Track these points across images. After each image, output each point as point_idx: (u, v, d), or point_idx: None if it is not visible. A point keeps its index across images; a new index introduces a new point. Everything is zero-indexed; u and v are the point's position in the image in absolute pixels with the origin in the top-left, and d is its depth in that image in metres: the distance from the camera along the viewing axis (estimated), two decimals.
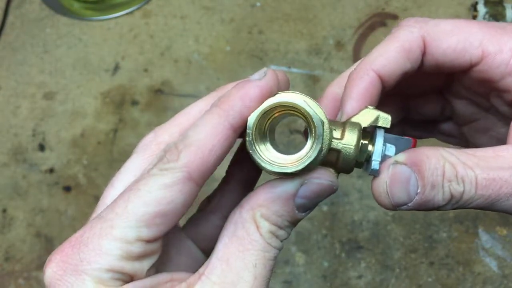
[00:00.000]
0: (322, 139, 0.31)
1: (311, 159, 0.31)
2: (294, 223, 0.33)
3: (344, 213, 1.14)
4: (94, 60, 1.39)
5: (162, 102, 1.32)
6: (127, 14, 1.46)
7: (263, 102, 0.32)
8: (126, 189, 0.32)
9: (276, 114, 0.33)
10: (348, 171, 0.34)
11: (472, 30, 0.36)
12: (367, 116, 0.34)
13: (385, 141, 0.34)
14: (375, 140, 0.34)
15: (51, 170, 1.25)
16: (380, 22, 1.41)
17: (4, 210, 1.21)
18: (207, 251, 0.39)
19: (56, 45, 1.43)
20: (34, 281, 1.13)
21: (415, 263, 1.09)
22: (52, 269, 0.31)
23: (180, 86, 1.34)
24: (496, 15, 1.32)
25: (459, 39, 0.35)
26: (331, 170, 0.34)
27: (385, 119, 0.34)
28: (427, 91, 0.43)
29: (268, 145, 0.33)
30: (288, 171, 0.31)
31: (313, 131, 0.31)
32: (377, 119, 0.34)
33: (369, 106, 0.35)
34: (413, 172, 0.33)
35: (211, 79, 1.34)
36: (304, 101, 0.31)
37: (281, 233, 0.33)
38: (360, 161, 0.34)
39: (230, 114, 0.32)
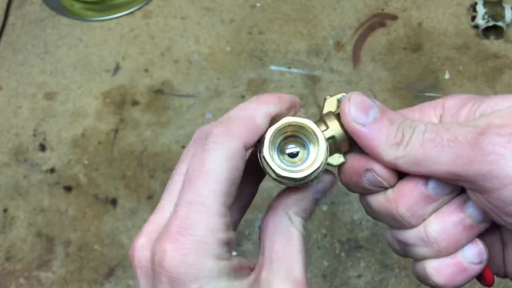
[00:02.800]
0: (325, 143, 0.38)
1: (321, 160, 0.37)
2: (312, 213, 0.40)
3: (343, 213, 1.14)
4: (94, 60, 1.40)
5: (162, 102, 1.32)
6: (127, 14, 1.47)
7: (289, 109, 0.39)
8: (194, 172, 0.35)
9: (288, 132, 0.39)
10: (347, 147, 0.40)
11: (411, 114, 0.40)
12: (330, 105, 0.40)
13: None
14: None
15: (51, 170, 1.25)
16: (379, 23, 1.41)
17: (5, 210, 1.21)
18: None
19: (57, 45, 1.43)
20: (35, 280, 1.13)
21: None
22: (173, 256, 0.33)
23: (180, 86, 1.34)
24: (495, 16, 1.32)
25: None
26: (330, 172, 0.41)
27: (343, 96, 0.40)
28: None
29: (275, 156, 0.39)
30: (303, 175, 0.37)
31: (317, 142, 0.38)
32: (338, 101, 0.40)
33: (327, 97, 0.41)
34: (377, 107, 0.37)
35: (211, 79, 1.35)
36: (308, 122, 0.38)
37: (305, 223, 0.40)
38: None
39: (267, 102, 0.38)
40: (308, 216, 0.40)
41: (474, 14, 1.36)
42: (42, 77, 1.39)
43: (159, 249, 0.34)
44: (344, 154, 0.40)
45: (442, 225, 0.37)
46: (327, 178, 0.40)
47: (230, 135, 0.36)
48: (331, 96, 0.41)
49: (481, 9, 1.33)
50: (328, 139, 0.39)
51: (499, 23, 1.31)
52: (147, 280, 0.36)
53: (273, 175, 0.37)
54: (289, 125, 0.38)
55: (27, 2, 1.51)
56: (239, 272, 0.36)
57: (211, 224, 0.34)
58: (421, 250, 0.39)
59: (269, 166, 0.37)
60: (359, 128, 0.37)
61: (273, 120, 0.38)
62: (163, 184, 1.21)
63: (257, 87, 1.33)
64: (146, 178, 1.22)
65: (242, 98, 1.31)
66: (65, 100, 1.34)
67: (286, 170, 0.37)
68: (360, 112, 0.37)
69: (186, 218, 0.34)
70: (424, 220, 0.38)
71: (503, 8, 1.33)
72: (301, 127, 0.38)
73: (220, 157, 0.35)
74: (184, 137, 1.27)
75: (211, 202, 0.34)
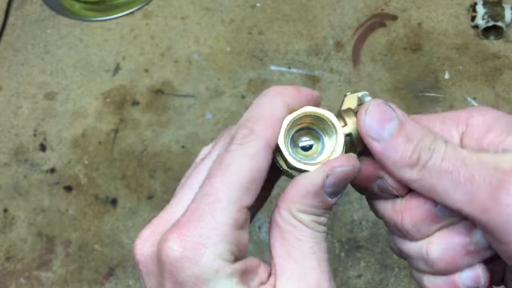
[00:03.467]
0: (343, 137, 0.36)
1: (339, 154, 0.36)
2: (329, 208, 0.36)
3: (343, 213, 1.14)
4: (95, 60, 1.40)
5: (162, 102, 1.32)
6: (127, 14, 1.47)
7: (308, 102, 0.37)
8: (213, 169, 0.35)
9: (298, 125, 0.37)
10: (360, 148, 0.38)
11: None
12: (350, 101, 0.39)
13: None
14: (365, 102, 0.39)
15: (52, 170, 1.25)
16: (379, 23, 1.41)
17: (6, 210, 1.21)
18: None
19: (57, 45, 1.43)
20: (35, 280, 1.13)
21: None
22: (173, 248, 0.32)
23: (180, 87, 1.34)
24: (495, 16, 1.32)
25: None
26: (352, 155, 0.37)
27: (365, 95, 0.38)
28: None
29: (291, 149, 0.37)
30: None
31: (335, 132, 0.36)
32: (359, 99, 0.38)
33: (347, 94, 0.39)
34: (397, 120, 0.35)
35: (212, 79, 1.35)
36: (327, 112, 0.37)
37: (322, 219, 0.36)
38: None
39: (287, 97, 0.36)
40: (321, 212, 0.36)
41: (474, 14, 1.36)
42: (43, 77, 1.39)
43: (162, 239, 0.33)
44: (358, 154, 0.38)
45: (444, 246, 0.36)
46: (338, 171, 0.35)
47: (253, 135, 0.35)
48: (351, 93, 0.39)
49: (481, 9, 1.33)
50: (345, 136, 0.37)
51: (499, 23, 1.31)
52: (147, 274, 0.35)
53: (285, 166, 0.36)
54: (307, 115, 0.36)
55: (27, 2, 1.51)
56: (246, 276, 0.34)
57: (219, 218, 0.33)
58: (420, 265, 0.38)
59: (283, 155, 0.35)
60: (373, 143, 0.35)
61: (290, 112, 0.37)
62: (163, 184, 1.21)
63: (257, 87, 1.33)
64: (146, 178, 1.22)
65: (242, 98, 1.31)
66: (65, 100, 1.35)
67: (301, 162, 0.35)
68: (376, 125, 0.35)
69: (196, 210, 0.33)
70: (427, 236, 0.37)
71: (503, 8, 1.33)
72: (319, 119, 0.37)
73: (241, 156, 0.34)
74: (184, 137, 1.27)
75: (224, 195, 0.33)
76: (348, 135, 0.37)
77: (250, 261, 0.34)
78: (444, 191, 0.34)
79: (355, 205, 1.14)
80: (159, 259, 0.33)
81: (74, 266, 1.14)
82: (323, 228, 0.36)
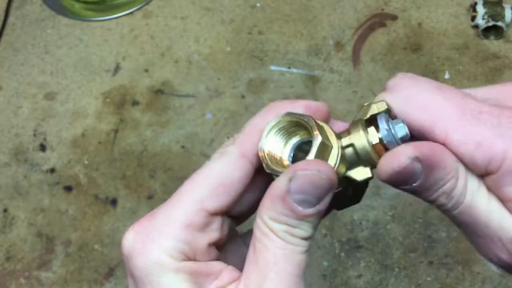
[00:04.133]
0: (318, 139, 0.34)
1: (312, 155, 0.34)
2: (304, 219, 0.33)
3: (343, 213, 1.14)
4: (95, 60, 1.40)
5: (162, 102, 1.32)
6: (127, 14, 1.47)
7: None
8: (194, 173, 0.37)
9: (290, 132, 0.37)
10: (374, 162, 0.35)
11: (443, 113, 0.34)
12: (365, 111, 0.36)
13: (390, 119, 0.36)
14: (377, 120, 0.35)
15: (52, 170, 1.25)
16: (379, 23, 1.41)
17: (5, 210, 1.21)
18: None
19: (57, 45, 1.43)
20: (35, 280, 1.13)
21: (414, 262, 1.09)
22: (128, 239, 0.34)
23: (180, 87, 1.34)
24: (495, 16, 1.32)
25: (426, 119, 0.35)
26: (324, 161, 0.34)
27: (380, 105, 0.36)
28: None
29: (291, 152, 0.37)
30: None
31: (312, 137, 0.34)
32: (373, 108, 0.36)
33: (364, 104, 0.37)
34: (423, 173, 0.34)
35: (212, 79, 1.35)
36: (310, 118, 0.35)
37: (297, 231, 0.33)
38: (376, 144, 0.35)
39: (277, 110, 0.37)
40: (294, 223, 0.33)
41: (474, 14, 1.36)
42: (43, 77, 1.39)
43: (128, 229, 0.35)
44: (371, 167, 0.36)
45: None
46: (301, 174, 0.32)
47: (232, 146, 0.36)
48: (368, 104, 0.36)
49: (481, 9, 1.33)
50: (345, 147, 0.35)
51: (499, 23, 1.31)
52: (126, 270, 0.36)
53: (266, 168, 0.35)
54: (286, 120, 0.35)
55: (27, 2, 1.51)
56: (199, 277, 0.33)
57: (175, 216, 0.34)
58: None
59: (261, 158, 0.35)
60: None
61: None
62: (163, 184, 1.21)
63: (257, 87, 1.33)
64: (146, 178, 1.22)
65: (242, 98, 1.31)
66: (65, 100, 1.35)
67: (270, 167, 0.35)
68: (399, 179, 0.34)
69: (162, 206, 0.35)
70: None
71: (503, 8, 1.33)
72: (298, 124, 0.35)
73: (214, 163, 0.36)
74: (184, 137, 1.27)
75: (186, 195, 0.35)
76: (349, 146, 0.35)
77: (208, 265, 0.34)
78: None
79: (355, 205, 1.14)
80: (122, 250, 0.35)
81: (74, 266, 1.14)
82: (298, 241, 0.33)
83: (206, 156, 1.22)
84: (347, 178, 0.36)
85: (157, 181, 1.21)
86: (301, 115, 0.35)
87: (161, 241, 0.33)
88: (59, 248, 1.16)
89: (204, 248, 0.35)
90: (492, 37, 1.35)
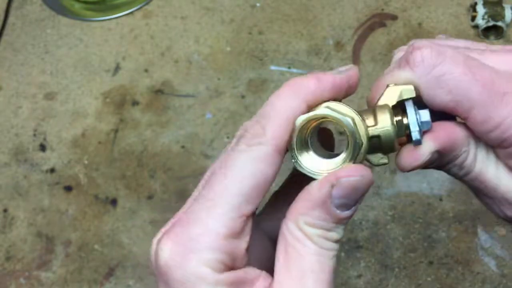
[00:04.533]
0: (357, 146, 0.33)
1: (351, 158, 0.33)
2: (340, 222, 0.33)
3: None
4: (94, 60, 1.40)
5: (162, 102, 1.32)
6: (127, 14, 1.47)
7: (332, 93, 0.34)
8: (216, 168, 0.33)
9: (315, 124, 0.35)
10: (394, 150, 0.36)
11: (470, 94, 0.35)
12: (391, 94, 0.36)
13: (417, 110, 0.36)
14: (407, 113, 0.35)
15: (52, 170, 1.25)
16: (379, 23, 1.41)
17: (5, 210, 1.21)
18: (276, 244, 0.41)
19: (57, 45, 1.43)
20: (35, 280, 1.13)
21: (414, 262, 1.09)
22: (165, 250, 0.31)
23: (180, 86, 1.34)
24: (495, 16, 1.32)
25: (453, 99, 0.35)
26: (362, 164, 0.34)
27: (408, 91, 0.35)
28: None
29: (311, 152, 0.34)
30: (316, 176, 0.33)
31: (348, 140, 0.33)
32: (401, 93, 0.35)
33: (390, 84, 0.36)
34: (439, 157, 0.36)
35: (212, 79, 1.35)
36: (351, 117, 0.34)
37: (331, 234, 0.33)
38: (402, 136, 0.36)
39: (304, 92, 0.34)
40: (331, 226, 0.33)
41: (474, 14, 1.36)
42: (42, 77, 1.39)
43: (159, 241, 0.32)
44: (390, 153, 0.36)
45: None
46: (344, 181, 0.32)
47: (263, 137, 0.33)
48: (395, 85, 0.36)
49: (481, 9, 1.33)
50: (371, 138, 0.34)
51: (499, 23, 1.31)
52: (152, 274, 0.34)
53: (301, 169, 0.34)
54: (314, 119, 0.33)
55: (27, 2, 1.51)
56: (237, 287, 0.32)
57: (212, 224, 0.31)
58: None
59: (297, 167, 0.33)
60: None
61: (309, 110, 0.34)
62: (164, 184, 1.21)
63: (257, 87, 1.33)
64: (146, 178, 1.22)
65: (242, 98, 1.31)
66: (65, 100, 1.35)
67: (305, 169, 0.33)
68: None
69: (190, 213, 0.32)
70: None
71: (503, 8, 1.33)
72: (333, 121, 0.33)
73: (245, 159, 0.32)
74: (184, 137, 1.27)
75: (221, 201, 0.32)
76: (375, 137, 0.34)
77: (245, 272, 0.33)
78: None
79: None
80: (155, 259, 0.33)
81: (74, 266, 1.14)
82: (331, 245, 0.33)
83: (206, 156, 1.22)
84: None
85: (157, 181, 1.21)
86: (336, 113, 0.33)
87: (202, 253, 0.31)
88: (59, 248, 1.16)
89: (243, 255, 0.33)
90: (492, 37, 1.35)
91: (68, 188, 1.23)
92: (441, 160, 0.37)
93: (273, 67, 1.36)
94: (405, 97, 0.35)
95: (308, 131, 0.34)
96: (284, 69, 1.35)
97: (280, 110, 0.33)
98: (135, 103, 1.33)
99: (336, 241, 0.33)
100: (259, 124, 0.33)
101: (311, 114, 0.33)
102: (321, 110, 0.33)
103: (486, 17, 1.32)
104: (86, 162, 1.25)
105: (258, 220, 0.40)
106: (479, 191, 0.39)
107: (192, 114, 1.30)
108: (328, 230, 0.33)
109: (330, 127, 0.39)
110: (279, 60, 1.36)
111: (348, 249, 1.11)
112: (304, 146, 0.34)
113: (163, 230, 0.35)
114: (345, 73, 0.37)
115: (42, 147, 1.28)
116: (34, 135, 1.30)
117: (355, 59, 1.35)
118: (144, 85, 1.35)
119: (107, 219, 1.18)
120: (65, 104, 1.34)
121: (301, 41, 1.39)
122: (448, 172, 0.38)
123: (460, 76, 0.35)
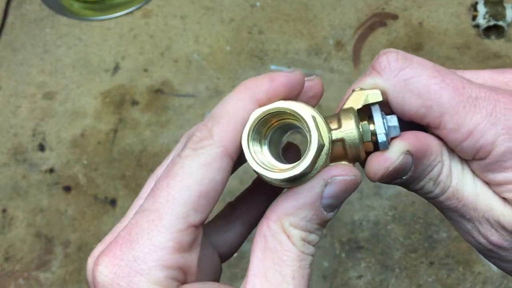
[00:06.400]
0: (315, 137, 0.30)
1: (310, 160, 0.30)
2: (323, 224, 0.32)
3: (344, 213, 1.14)
4: (94, 60, 1.40)
5: (162, 102, 1.32)
6: (127, 14, 1.46)
7: (286, 92, 0.32)
8: (161, 176, 0.31)
9: (275, 123, 0.32)
10: (360, 159, 0.34)
11: (440, 99, 0.32)
12: (357, 99, 0.34)
13: (384, 114, 0.34)
14: (373, 116, 0.34)
15: (51, 170, 1.25)
16: (379, 22, 1.41)
17: (4, 210, 1.21)
18: (224, 258, 0.39)
19: (56, 45, 1.43)
20: (34, 281, 1.13)
21: (415, 263, 1.09)
22: (104, 273, 0.29)
23: (180, 86, 1.34)
24: (496, 15, 1.32)
25: (423, 105, 0.33)
26: (351, 165, 0.33)
27: (375, 94, 0.34)
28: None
29: (265, 149, 0.32)
30: (280, 176, 0.30)
31: (309, 134, 0.30)
32: (367, 97, 0.34)
33: (356, 89, 0.35)
34: (413, 165, 0.33)
35: (211, 79, 1.34)
36: (309, 113, 0.31)
37: (313, 237, 0.32)
38: (367, 142, 0.33)
39: (256, 92, 0.32)
40: (315, 228, 0.31)
41: (475, 13, 1.36)
42: (42, 77, 1.38)
43: (95, 261, 0.29)
44: (355, 162, 0.34)
45: None
46: (339, 180, 0.31)
47: (210, 140, 0.30)
48: (361, 89, 0.34)
49: (482, 9, 1.33)
50: (335, 142, 0.32)
51: (500, 23, 1.31)
52: None
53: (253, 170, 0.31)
54: (277, 111, 0.31)
55: (27, 1, 1.51)
56: None
57: (158, 239, 0.29)
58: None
59: (247, 158, 0.31)
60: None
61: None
62: None
63: None
64: (145, 178, 1.21)
65: None
66: (64, 100, 1.34)
67: (263, 167, 0.30)
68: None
69: (133, 228, 0.29)
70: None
71: (504, 8, 1.32)
72: (289, 114, 0.31)
73: (191, 165, 0.30)
74: None
75: (166, 212, 0.29)
76: (339, 141, 0.32)
77: (201, 286, 0.31)
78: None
79: (356, 205, 1.14)
80: (93, 282, 0.30)
81: (73, 267, 1.14)
82: (311, 249, 0.32)
83: None
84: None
85: None
86: (292, 104, 0.31)
87: (151, 273, 0.28)
88: (58, 248, 1.16)
89: (195, 268, 0.31)
90: (493, 37, 1.34)
91: (67, 188, 1.22)
92: (415, 171, 0.33)
93: (273, 67, 1.35)
94: (371, 101, 0.34)
95: (268, 129, 0.32)
96: (284, 68, 1.35)
97: (230, 110, 0.31)
98: (134, 103, 1.32)
99: (314, 245, 0.32)
100: (206, 127, 0.31)
101: (266, 108, 0.31)
102: (277, 103, 0.31)
103: (487, 16, 1.32)
104: (85, 162, 1.25)
105: (207, 231, 0.38)
106: (457, 212, 0.35)
107: (192, 114, 1.29)
108: (311, 232, 0.31)
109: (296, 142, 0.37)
110: (279, 60, 1.36)
111: (348, 250, 1.11)
112: (261, 142, 0.32)
113: (100, 247, 0.31)
114: (300, 75, 0.33)
115: (41, 147, 1.28)
116: (33, 135, 1.30)
117: (355, 58, 1.35)
118: (144, 84, 1.35)
119: (107, 219, 1.18)
120: (64, 104, 1.34)
121: (301, 40, 1.39)
122: (423, 190, 0.35)
123: (429, 79, 0.33)
